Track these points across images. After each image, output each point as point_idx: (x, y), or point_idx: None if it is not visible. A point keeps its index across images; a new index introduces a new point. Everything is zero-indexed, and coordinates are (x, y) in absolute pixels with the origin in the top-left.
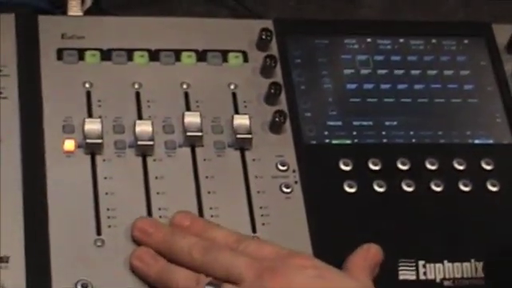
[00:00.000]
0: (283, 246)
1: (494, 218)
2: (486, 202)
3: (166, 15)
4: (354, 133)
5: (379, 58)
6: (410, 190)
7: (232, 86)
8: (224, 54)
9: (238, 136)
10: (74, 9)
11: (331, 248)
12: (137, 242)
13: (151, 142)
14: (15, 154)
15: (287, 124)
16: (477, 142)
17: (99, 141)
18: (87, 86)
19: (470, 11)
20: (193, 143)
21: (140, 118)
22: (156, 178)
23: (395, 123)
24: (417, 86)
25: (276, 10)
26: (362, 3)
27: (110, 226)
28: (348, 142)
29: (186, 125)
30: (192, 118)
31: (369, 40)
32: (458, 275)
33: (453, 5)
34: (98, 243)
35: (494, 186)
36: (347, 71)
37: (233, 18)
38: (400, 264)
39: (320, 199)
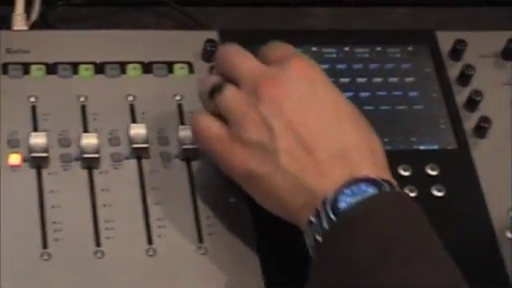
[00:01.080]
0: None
1: (440, 223)
2: (432, 207)
3: (111, 28)
4: None
5: (324, 66)
6: None
7: (178, 97)
8: (169, 66)
9: (184, 147)
10: (19, 23)
11: (278, 256)
12: None
13: (97, 155)
14: None
15: None
16: (422, 147)
17: (45, 154)
18: (32, 99)
19: (417, 19)
20: (139, 155)
21: (86, 130)
22: (102, 190)
23: None
24: (362, 94)
25: (223, 21)
26: (310, 13)
27: (56, 240)
28: None
29: (131, 137)
30: (138, 130)
31: (314, 49)
32: None
33: (401, 13)
34: (45, 256)
35: (439, 191)
36: None
37: (179, 30)
38: None
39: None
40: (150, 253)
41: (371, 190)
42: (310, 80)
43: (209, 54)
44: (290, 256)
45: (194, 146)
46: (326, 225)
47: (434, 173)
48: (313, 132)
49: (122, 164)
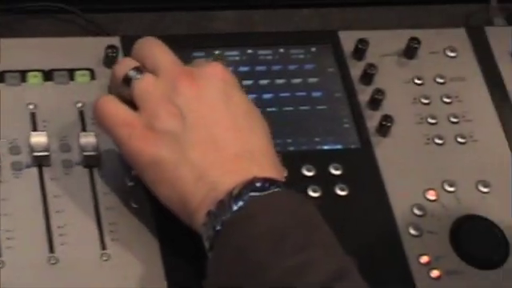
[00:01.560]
0: None
1: (344, 221)
2: (335, 206)
3: (15, 36)
4: None
5: None
6: None
7: (79, 104)
8: (71, 73)
9: (86, 153)
10: None
11: (181, 260)
12: None
13: None
14: None
15: None
16: (325, 147)
17: None
18: None
19: (322, 20)
20: (40, 163)
21: None
22: (3, 200)
23: None
24: (265, 96)
25: (130, 27)
26: (216, 17)
27: None
28: None
29: (32, 145)
30: (38, 138)
31: (217, 52)
32: None
33: (306, 14)
34: None
35: (342, 190)
36: None
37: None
38: None
39: (168, 211)
40: (52, 261)
41: (272, 189)
42: (225, 83)
43: (110, 60)
44: (194, 260)
45: (96, 153)
46: (226, 215)
47: (337, 172)
48: (224, 130)
49: (23, 173)
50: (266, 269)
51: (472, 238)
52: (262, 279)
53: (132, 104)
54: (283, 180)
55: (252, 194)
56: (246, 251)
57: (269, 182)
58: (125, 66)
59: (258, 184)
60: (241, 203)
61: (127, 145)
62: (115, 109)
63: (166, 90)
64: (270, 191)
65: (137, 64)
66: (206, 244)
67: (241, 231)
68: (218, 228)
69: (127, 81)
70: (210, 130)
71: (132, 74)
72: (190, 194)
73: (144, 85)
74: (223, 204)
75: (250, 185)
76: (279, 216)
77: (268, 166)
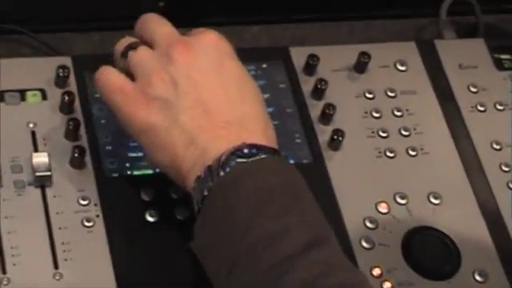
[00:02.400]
0: None
1: None
2: None
3: None
4: None
5: None
6: None
7: (31, 125)
8: (22, 93)
9: (38, 174)
10: None
11: (134, 278)
12: None
13: None
14: None
15: (88, 158)
16: None
17: None
18: None
19: (272, 37)
20: None
21: None
22: None
23: None
24: None
25: (80, 48)
26: None
27: None
28: (150, 172)
29: None
30: None
31: None
32: None
33: (256, 31)
34: None
35: None
36: None
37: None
38: None
39: (121, 230)
40: (4, 282)
41: (260, 155)
42: (219, 51)
43: (61, 80)
44: (147, 278)
45: (48, 173)
46: (214, 181)
47: None
48: (216, 97)
49: None
50: (245, 230)
51: (424, 249)
52: (241, 240)
53: (131, 77)
54: (273, 146)
55: (238, 160)
56: (228, 214)
57: (256, 148)
58: (124, 41)
59: (246, 150)
60: (227, 169)
61: (121, 111)
62: (112, 77)
63: (160, 59)
64: (256, 157)
65: (135, 40)
66: (195, 208)
67: (224, 195)
68: (205, 193)
69: (125, 54)
70: (201, 96)
71: (129, 46)
72: (181, 158)
73: (139, 55)
74: (211, 170)
75: (237, 151)
76: (262, 181)
77: (258, 133)
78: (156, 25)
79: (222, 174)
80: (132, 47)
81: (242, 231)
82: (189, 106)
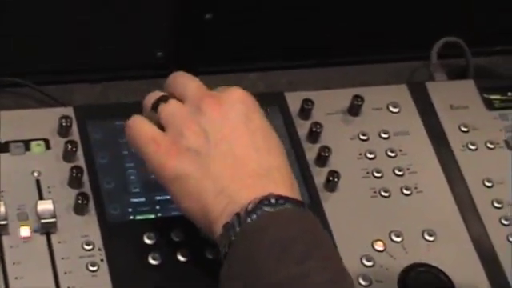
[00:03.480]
0: None
1: None
2: None
3: None
4: (158, 207)
5: None
6: (211, 257)
7: (36, 174)
8: (26, 144)
9: (43, 221)
10: None
11: None
12: None
13: None
14: None
15: (91, 205)
16: None
17: None
18: None
19: (268, 83)
20: None
21: None
22: None
23: None
24: None
25: (82, 98)
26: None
27: None
28: (152, 216)
29: None
30: None
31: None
32: None
33: (253, 78)
34: None
35: None
36: None
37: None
38: None
39: (125, 274)
40: None
41: (286, 205)
42: (247, 105)
43: (64, 129)
44: None
45: (53, 220)
46: (241, 227)
47: None
48: (244, 148)
49: None
50: (268, 275)
51: (419, 285)
52: (264, 284)
53: (161, 129)
54: (298, 198)
55: (265, 208)
56: (253, 259)
57: (282, 199)
58: (153, 95)
59: (273, 200)
60: (254, 216)
61: (154, 160)
62: (144, 126)
63: (191, 112)
64: (282, 207)
65: (165, 93)
66: (222, 253)
67: (251, 241)
68: (232, 238)
69: (155, 108)
70: (231, 148)
71: (160, 99)
72: (211, 206)
73: (170, 107)
74: (239, 217)
75: (264, 200)
76: (285, 230)
77: (283, 184)
78: (186, 80)
79: (248, 220)
80: (162, 100)
81: (265, 275)
82: (220, 156)
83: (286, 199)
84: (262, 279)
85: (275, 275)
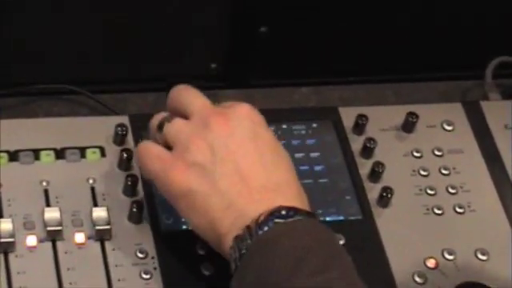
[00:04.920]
0: None
1: None
2: None
3: (29, 117)
4: None
5: None
6: None
7: (91, 181)
8: (82, 151)
9: (98, 228)
10: None
11: None
12: None
13: (12, 239)
14: None
15: (145, 213)
16: (328, 219)
17: None
18: None
19: (320, 97)
20: (54, 237)
21: (1, 216)
22: (18, 273)
23: None
24: None
25: (135, 107)
26: (217, 94)
27: None
28: None
29: (46, 220)
30: (52, 214)
31: None
32: None
33: (305, 92)
34: None
35: None
36: None
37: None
38: None
39: (178, 283)
40: None
41: (297, 217)
42: (253, 121)
43: (120, 137)
44: None
45: (107, 227)
46: (252, 239)
47: (340, 243)
48: (252, 164)
49: (37, 247)
50: (283, 286)
51: None
52: None
53: (169, 149)
54: (307, 210)
55: (276, 220)
56: (266, 271)
57: (293, 210)
58: (158, 116)
59: (283, 212)
60: (266, 228)
61: (160, 177)
62: (150, 148)
63: (197, 128)
64: (293, 219)
65: (168, 114)
66: (232, 266)
67: (263, 253)
68: (244, 251)
69: (161, 128)
70: (238, 163)
71: (164, 119)
72: (219, 220)
73: (176, 125)
74: (250, 229)
75: (275, 212)
76: (299, 240)
77: (292, 197)
78: (192, 96)
79: (260, 232)
80: (167, 120)
81: (280, 285)
82: (227, 172)
83: (297, 210)
84: None
85: (290, 286)
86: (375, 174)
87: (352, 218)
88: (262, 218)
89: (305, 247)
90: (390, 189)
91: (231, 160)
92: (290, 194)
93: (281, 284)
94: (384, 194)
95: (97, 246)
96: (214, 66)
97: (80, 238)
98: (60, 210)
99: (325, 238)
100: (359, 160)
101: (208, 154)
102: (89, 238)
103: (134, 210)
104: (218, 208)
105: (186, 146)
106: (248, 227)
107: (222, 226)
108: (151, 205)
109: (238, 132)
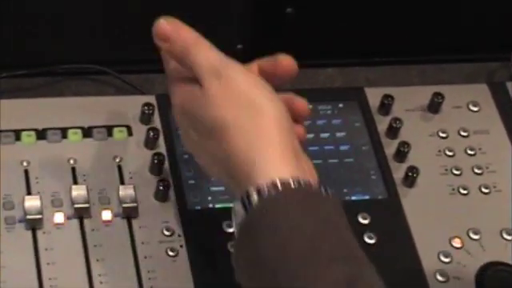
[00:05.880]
0: None
1: None
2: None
3: (57, 96)
4: None
5: None
6: None
7: (117, 159)
8: (109, 129)
9: (124, 205)
10: None
11: None
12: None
13: (40, 216)
14: None
15: (171, 192)
16: (353, 198)
17: None
18: None
19: (346, 78)
20: (81, 215)
21: (29, 193)
22: (46, 249)
23: None
24: None
25: (161, 87)
26: None
27: None
28: (231, 205)
29: (73, 198)
30: (79, 191)
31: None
32: None
33: (330, 73)
34: None
35: (370, 238)
36: None
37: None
38: None
39: (205, 260)
40: None
41: (308, 189)
42: None
43: (146, 117)
44: None
45: (134, 205)
46: (260, 201)
47: (365, 221)
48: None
49: (65, 224)
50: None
51: (497, 283)
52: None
53: None
54: (317, 184)
55: (287, 188)
56: (276, 230)
57: (305, 183)
58: None
59: (301, 182)
60: (274, 193)
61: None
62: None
63: None
64: (305, 190)
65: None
66: (237, 219)
67: (272, 212)
68: (254, 203)
69: None
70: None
71: None
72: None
73: None
74: (260, 189)
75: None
76: (303, 211)
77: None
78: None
79: (272, 193)
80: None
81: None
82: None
83: (310, 184)
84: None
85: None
86: (401, 153)
87: (378, 197)
88: (276, 182)
89: (303, 219)
90: (416, 169)
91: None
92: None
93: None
94: (410, 174)
95: (123, 223)
96: (239, 47)
97: (107, 215)
98: (87, 188)
99: (326, 211)
100: (385, 140)
101: None
102: (115, 215)
103: (161, 188)
104: (241, 147)
105: None
106: (258, 188)
107: (243, 169)
108: (178, 183)
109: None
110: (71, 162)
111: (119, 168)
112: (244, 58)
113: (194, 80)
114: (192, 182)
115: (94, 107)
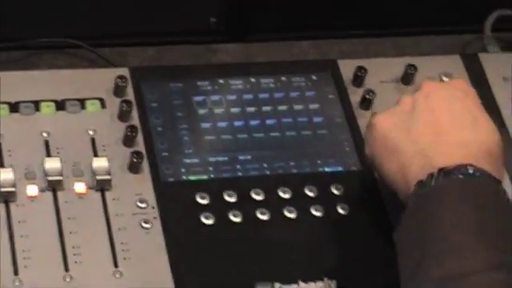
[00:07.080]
0: None
1: (344, 239)
2: (336, 224)
3: (29, 69)
4: (210, 168)
5: (231, 97)
6: (264, 218)
7: (91, 132)
8: (82, 102)
9: (98, 178)
10: None
11: (192, 278)
12: None
13: (13, 189)
14: None
15: (145, 164)
16: (327, 169)
17: None
18: None
19: (320, 51)
20: (54, 187)
21: (2, 166)
22: (19, 222)
23: (249, 157)
24: (268, 121)
25: (135, 61)
26: (219, 49)
27: None
28: (204, 177)
29: (46, 170)
30: (52, 164)
31: (221, 81)
32: None
33: (304, 46)
34: None
35: (343, 209)
36: (201, 111)
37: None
38: (257, 287)
39: (178, 232)
40: (67, 279)
41: (481, 178)
42: (465, 91)
43: (120, 89)
44: (205, 277)
45: (107, 177)
46: (432, 183)
47: (338, 192)
48: (450, 120)
49: (38, 196)
50: (442, 238)
51: None
52: (434, 242)
53: None
54: (494, 174)
55: (460, 176)
56: (433, 217)
57: (481, 172)
58: None
59: (471, 170)
60: (448, 178)
61: (369, 124)
62: None
63: (415, 94)
64: (478, 179)
65: None
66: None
67: (436, 201)
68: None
69: None
70: (436, 117)
71: None
72: (408, 166)
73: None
74: (432, 176)
75: (462, 168)
76: (474, 200)
77: (484, 161)
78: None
79: (440, 180)
80: None
81: (440, 237)
82: (422, 123)
83: (486, 174)
84: (435, 236)
85: (446, 240)
86: None
87: (351, 168)
88: (448, 168)
89: (478, 208)
90: None
91: (429, 113)
92: (482, 158)
93: (440, 234)
94: None
95: (97, 195)
96: (213, 20)
97: (80, 187)
98: (60, 160)
99: (501, 208)
100: (358, 112)
101: (409, 105)
102: (89, 187)
103: (134, 160)
104: (408, 154)
105: (398, 102)
106: (431, 174)
107: (410, 171)
108: (151, 155)
109: (443, 93)
110: (44, 134)
111: (92, 140)
112: (218, 31)
113: None
114: (165, 154)
115: (67, 80)
